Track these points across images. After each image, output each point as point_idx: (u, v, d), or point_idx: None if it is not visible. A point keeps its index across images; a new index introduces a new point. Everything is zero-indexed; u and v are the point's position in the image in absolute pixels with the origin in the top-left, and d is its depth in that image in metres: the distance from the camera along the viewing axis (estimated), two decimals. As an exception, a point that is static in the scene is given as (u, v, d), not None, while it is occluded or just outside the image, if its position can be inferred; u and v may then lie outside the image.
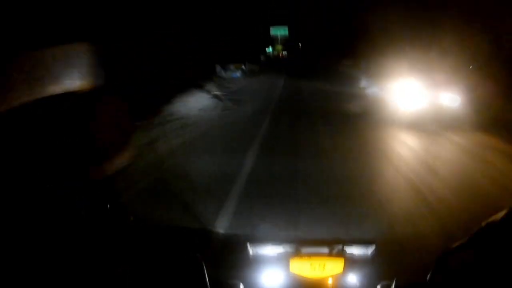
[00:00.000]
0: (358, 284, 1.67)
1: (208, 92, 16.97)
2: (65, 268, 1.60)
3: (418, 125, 9.39)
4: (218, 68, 27.56)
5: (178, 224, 3.54)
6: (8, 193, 2.92)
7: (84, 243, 1.69)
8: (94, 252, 1.66)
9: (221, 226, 3.88)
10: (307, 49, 57.67)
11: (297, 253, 1.73)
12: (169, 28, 16.88)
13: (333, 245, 1.76)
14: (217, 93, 17.01)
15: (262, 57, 50.77)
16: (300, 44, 65.94)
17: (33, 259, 1.64)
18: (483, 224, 1.48)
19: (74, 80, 10.05)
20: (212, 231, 2.51)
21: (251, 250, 1.79)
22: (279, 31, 70.62)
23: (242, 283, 1.65)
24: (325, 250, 1.75)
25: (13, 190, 3.12)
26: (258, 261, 1.75)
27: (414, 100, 10.43)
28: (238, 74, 28.61)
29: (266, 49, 67.01)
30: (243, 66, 30.50)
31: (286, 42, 72.39)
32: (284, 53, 72.80)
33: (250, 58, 35.68)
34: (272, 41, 71.72)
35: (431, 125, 9.37)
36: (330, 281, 1.64)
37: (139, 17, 14.19)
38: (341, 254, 1.72)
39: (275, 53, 72.15)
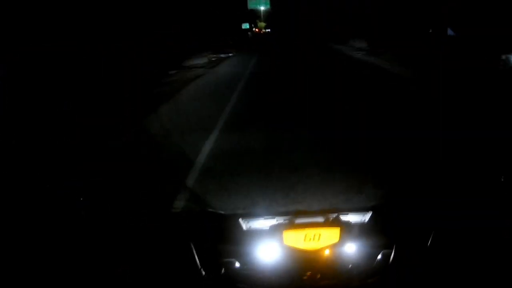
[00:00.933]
0: (356, 254, 1.59)
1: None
2: (65, 267, 1.56)
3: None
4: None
5: (169, 207, 3.57)
6: (9, 192, 2.87)
7: (84, 243, 1.66)
8: (94, 252, 1.62)
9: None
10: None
11: (291, 225, 1.64)
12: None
13: (328, 214, 1.68)
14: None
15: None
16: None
17: (33, 259, 1.62)
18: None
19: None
20: (203, 210, 2.45)
21: (244, 225, 1.71)
22: (260, 4, 61.78)
23: (237, 260, 1.59)
24: (320, 219, 1.67)
25: (14, 190, 3.06)
26: (251, 235, 1.67)
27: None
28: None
29: (243, 25, 57.48)
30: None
31: (269, 18, 66.17)
32: (267, 30, 67.07)
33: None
34: (252, 16, 63.90)
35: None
36: (326, 252, 1.57)
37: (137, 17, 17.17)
38: (337, 222, 1.64)
39: (255, 30, 65.05)
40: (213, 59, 23.92)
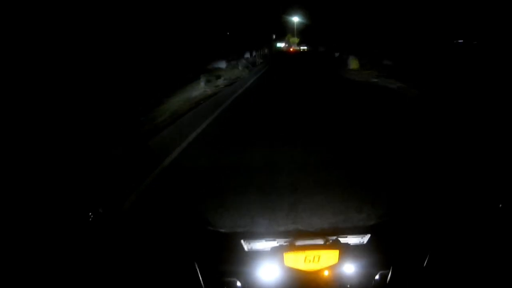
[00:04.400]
0: (355, 274, 1.64)
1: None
2: (64, 267, 1.64)
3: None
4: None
5: (173, 224, 3.64)
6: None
7: (84, 245, 1.73)
8: (94, 254, 1.69)
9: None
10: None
11: (291, 247, 1.70)
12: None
13: (327, 236, 1.73)
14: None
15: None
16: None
17: (34, 258, 1.68)
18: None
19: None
20: (207, 229, 2.52)
21: (245, 246, 1.78)
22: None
23: (239, 280, 1.63)
24: (320, 241, 1.72)
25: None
26: (253, 256, 1.74)
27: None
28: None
29: (278, 44, 52.37)
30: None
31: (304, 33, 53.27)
32: (302, 48, 53.07)
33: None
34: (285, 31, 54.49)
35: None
36: (326, 273, 1.61)
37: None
38: (336, 244, 1.69)
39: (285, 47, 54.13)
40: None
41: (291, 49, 51.88)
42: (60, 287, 1.64)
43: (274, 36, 51.83)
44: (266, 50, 35.94)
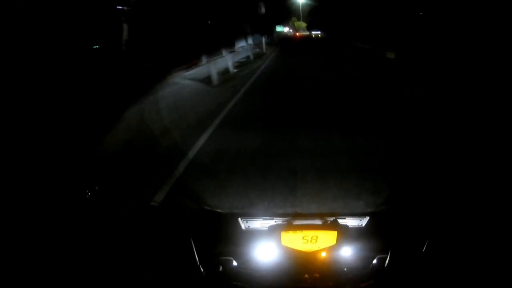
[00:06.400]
0: (352, 257, 1.62)
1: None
2: (64, 265, 1.62)
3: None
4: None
5: (170, 202, 3.68)
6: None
7: (82, 241, 1.71)
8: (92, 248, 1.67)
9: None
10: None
11: (289, 226, 1.68)
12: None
13: (326, 217, 1.71)
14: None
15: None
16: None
17: (33, 257, 1.67)
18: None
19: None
20: (203, 208, 2.51)
21: (242, 224, 1.76)
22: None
23: (234, 259, 1.62)
24: (318, 222, 1.70)
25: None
26: (250, 235, 1.72)
27: None
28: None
29: (277, 27, 43.66)
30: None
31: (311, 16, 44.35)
32: (313, 33, 44.07)
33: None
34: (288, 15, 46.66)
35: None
36: (323, 254, 1.59)
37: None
38: (334, 226, 1.66)
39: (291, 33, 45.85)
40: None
41: (297, 34, 46.19)
42: (57, 258, 1.64)
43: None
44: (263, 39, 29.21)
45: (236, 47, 22.48)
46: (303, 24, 47.74)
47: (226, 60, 16.15)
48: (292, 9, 48.52)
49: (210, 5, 26.35)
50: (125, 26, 16.53)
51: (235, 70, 16.51)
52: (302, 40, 43.15)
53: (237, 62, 18.55)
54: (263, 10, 33.25)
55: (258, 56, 23.99)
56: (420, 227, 1.71)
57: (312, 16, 47.27)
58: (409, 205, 2.23)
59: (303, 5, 46.95)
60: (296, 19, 48.87)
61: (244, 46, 24.40)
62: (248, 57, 22.01)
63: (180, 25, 21.49)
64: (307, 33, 47.45)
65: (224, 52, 17.01)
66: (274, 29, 43.53)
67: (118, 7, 16.65)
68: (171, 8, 21.23)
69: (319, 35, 44.98)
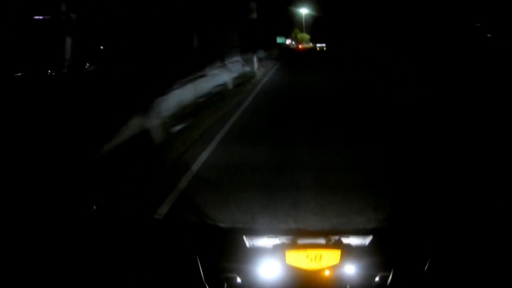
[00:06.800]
0: (355, 275, 1.64)
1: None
2: (63, 265, 1.64)
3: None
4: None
5: (175, 218, 3.66)
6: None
7: (87, 256, 1.73)
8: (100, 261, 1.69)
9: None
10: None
11: (293, 245, 1.71)
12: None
13: (330, 236, 1.74)
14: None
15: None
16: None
17: (33, 257, 1.69)
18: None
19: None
20: (209, 224, 2.53)
21: (247, 242, 1.79)
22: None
23: (239, 276, 1.64)
24: (322, 241, 1.73)
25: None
26: (254, 253, 1.75)
27: None
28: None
29: (278, 38, 40.81)
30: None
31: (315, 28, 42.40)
32: (318, 45, 42.78)
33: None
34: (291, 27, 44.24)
35: None
36: (327, 273, 1.62)
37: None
38: (338, 244, 1.69)
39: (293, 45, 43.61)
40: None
41: (300, 47, 45.05)
42: (61, 268, 1.66)
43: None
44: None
45: (209, 69, 14.24)
46: (306, 36, 46.20)
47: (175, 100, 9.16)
48: (294, 20, 46.54)
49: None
50: (68, 41, 12.80)
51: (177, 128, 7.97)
52: (306, 54, 41.41)
53: (202, 96, 11.39)
54: (254, 14, 25.63)
55: (245, 81, 16.27)
56: (422, 245, 1.74)
57: (315, 28, 45.34)
58: (411, 223, 2.26)
59: (306, 16, 45.01)
60: (299, 31, 47.24)
61: (228, 65, 17.07)
62: (224, 84, 13.96)
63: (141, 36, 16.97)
64: (310, 45, 46.05)
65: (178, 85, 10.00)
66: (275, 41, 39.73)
67: (36, 17, 12.90)
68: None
69: (324, 48, 43.64)
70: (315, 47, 44.85)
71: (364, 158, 5.65)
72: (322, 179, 4.84)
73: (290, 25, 45.18)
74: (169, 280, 1.62)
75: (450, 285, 1.54)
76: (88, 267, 1.67)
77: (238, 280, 1.64)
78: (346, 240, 1.73)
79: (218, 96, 12.16)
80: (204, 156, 6.06)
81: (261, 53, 25.66)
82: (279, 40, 41.67)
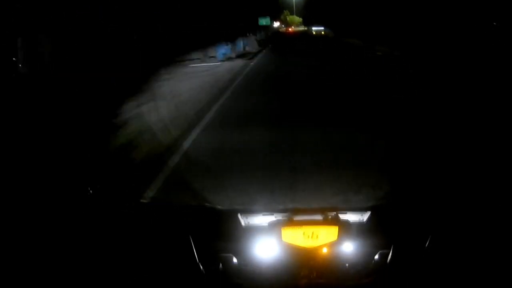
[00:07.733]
0: (354, 253, 1.60)
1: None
2: (62, 264, 1.60)
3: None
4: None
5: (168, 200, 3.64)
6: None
7: (81, 239, 1.69)
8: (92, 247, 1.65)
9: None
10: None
11: (289, 222, 1.65)
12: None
13: (327, 212, 1.68)
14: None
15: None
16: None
17: (32, 256, 1.64)
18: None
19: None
20: (202, 205, 2.49)
21: (242, 220, 1.73)
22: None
23: (235, 255, 1.60)
24: (319, 217, 1.67)
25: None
26: (250, 231, 1.69)
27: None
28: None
29: (260, 20, 35.56)
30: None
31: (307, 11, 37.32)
32: (314, 29, 37.75)
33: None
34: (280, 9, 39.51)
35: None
36: (324, 250, 1.57)
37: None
38: (335, 221, 1.64)
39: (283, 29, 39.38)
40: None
41: (290, 30, 42.36)
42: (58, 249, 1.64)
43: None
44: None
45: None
46: (298, 19, 43.71)
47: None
48: (284, 2, 43.17)
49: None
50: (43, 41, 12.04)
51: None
52: (300, 40, 36.15)
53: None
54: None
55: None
56: (423, 222, 1.70)
57: (308, 10, 41.57)
58: (411, 199, 2.22)
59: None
60: (289, 13, 44.81)
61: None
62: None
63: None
64: (301, 28, 42.45)
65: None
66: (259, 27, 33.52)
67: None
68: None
69: (322, 32, 37.57)
70: (309, 31, 40.37)
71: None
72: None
73: (276, 6, 41.50)
74: (163, 262, 1.58)
75: (451, 262, 1.51)
76: (80, 249, 1.64)
77: (234, 259, 1.60)
78: (343, 216, 1.68)
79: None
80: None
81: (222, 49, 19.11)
82: (262, 21, 35.82)
